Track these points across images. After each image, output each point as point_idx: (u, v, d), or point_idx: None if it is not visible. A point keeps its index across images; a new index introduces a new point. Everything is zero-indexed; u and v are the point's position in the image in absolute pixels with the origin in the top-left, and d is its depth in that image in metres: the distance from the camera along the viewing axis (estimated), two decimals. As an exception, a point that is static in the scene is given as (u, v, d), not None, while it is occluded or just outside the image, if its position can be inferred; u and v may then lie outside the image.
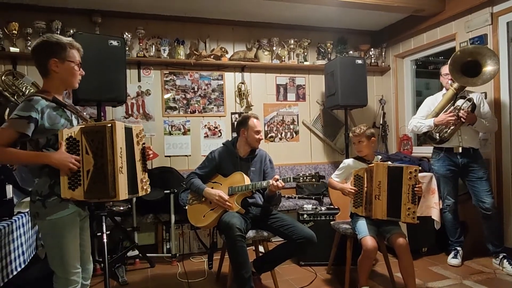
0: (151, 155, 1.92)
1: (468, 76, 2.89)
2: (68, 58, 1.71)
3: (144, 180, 1.84)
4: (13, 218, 2.13)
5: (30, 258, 2.25)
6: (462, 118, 2.92)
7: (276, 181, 2.43)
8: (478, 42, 3.40)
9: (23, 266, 2.14)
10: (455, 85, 2.99)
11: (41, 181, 1.66)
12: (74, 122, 1.78)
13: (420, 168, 2.51)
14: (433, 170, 3.25)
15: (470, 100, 2.96)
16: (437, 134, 3.11)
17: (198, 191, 2.64)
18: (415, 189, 2.33)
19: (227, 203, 2.52)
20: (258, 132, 2.69)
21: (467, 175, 3.08)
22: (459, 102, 3.00)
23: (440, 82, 3.29)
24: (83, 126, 1.69)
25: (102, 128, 1.64)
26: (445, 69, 3.12)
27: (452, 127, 3.00)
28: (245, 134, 2.70)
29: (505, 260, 2.93)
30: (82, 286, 1.79)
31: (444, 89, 3.24)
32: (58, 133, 1.64)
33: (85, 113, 3.69)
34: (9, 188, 2.14)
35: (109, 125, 1.64)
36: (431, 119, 3.11)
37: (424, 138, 3.27)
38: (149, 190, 1.87)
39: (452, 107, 3.02)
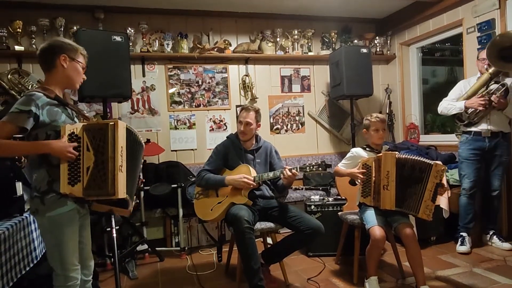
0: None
1: (507, 62, 2.83)
2: (77, 58, 1.79)
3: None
4: (24, 215, 2.17)
5: (42, 254, 2.28)
6: (493, 103, 2.91)
7: (289, 170, 2.40)
8: (486, 27, 3.34)
9: (35, 261, 2.18)
10: (491, 69, 2.98)
11: (40, 176, 1.65)
12: (76, 121, 1.80)
13: (446, 167, 2.51)
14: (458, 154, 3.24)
15: (504, 85, 2.95)
16: (467, 116, 3.10)
17: (218, 183, 2.61)
18: (439, 189, 2.29)
19: (253, 182, 2.49)
20: (240, 122, 2.69)
21: (491, 159, 3.09)
22: (493, 87, 2.99)
23: (447, 70, 3.25)
24: (85, 123, 1.70)
25: (104, 126, 1.66)
26: (482, 54, 3.10)
27: (481, 110, 2.98)
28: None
29: (494, 236, 3.14)
30: (83, 282, 1.81)
31: (479, 73, 3.20)
32: (61, 128, 1.65)
33: (91, 110, 3.72)
34: (19, 186, 2.16)
35: (112, 123, 1.66)
36: (462, 101, 3.09)
37: (453, 120, 3.29)
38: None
39: (484, 91, 3.00)
